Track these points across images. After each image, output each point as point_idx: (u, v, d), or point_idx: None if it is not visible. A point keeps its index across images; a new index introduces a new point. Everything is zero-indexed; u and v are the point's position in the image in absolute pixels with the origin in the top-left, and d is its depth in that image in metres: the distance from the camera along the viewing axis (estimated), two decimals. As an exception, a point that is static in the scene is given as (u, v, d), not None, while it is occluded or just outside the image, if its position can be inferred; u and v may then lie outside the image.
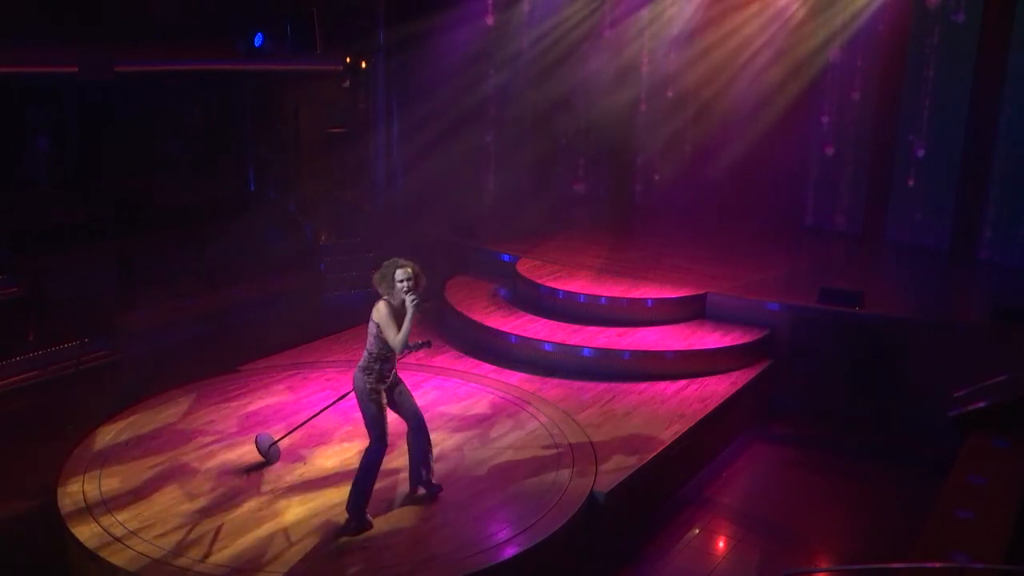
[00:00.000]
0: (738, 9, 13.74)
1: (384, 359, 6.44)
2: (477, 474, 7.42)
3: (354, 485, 6.57)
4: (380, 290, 6.41)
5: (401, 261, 6.38)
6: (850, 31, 13.02)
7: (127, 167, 12.67)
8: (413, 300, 6.22)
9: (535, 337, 10.07)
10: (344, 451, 7.74)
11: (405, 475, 7.34)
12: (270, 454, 7.50)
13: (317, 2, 13.22)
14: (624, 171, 15.68)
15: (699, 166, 14.54)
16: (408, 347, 6.40)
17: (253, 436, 7.66)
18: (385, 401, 6.54)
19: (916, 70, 12.59)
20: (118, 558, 6.08)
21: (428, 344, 6.89)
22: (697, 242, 13.47)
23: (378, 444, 6.52)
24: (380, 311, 6.34)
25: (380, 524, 6.60)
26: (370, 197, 15.46)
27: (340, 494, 6.99)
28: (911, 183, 12.84)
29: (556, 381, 9.40)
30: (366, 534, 6.46)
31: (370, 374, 6.45)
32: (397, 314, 6.32)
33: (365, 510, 6.57)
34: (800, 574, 7.48)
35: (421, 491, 6.96)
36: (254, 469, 7.37)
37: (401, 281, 6.28)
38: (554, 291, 10.96)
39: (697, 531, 7.91)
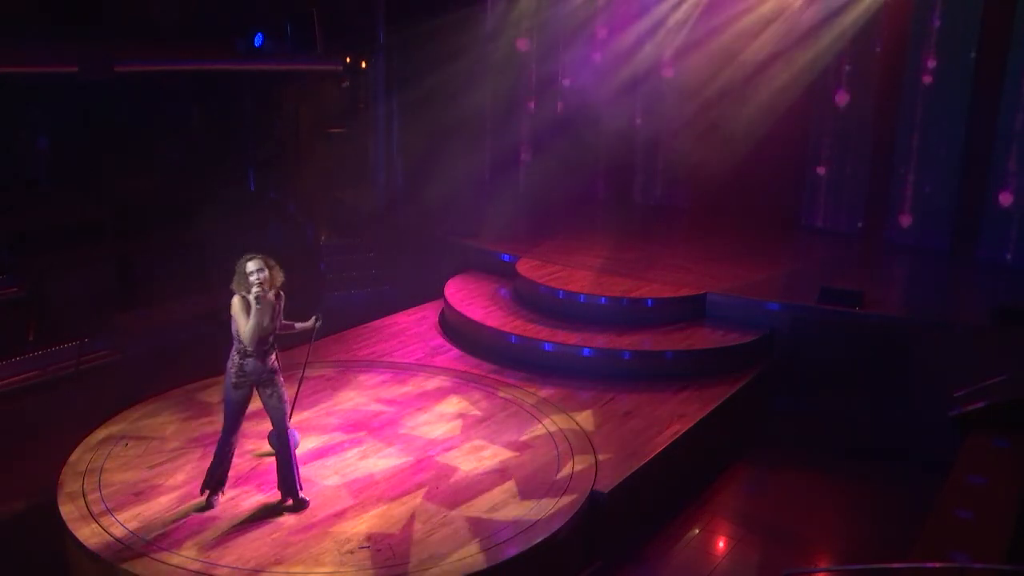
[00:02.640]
0: (740, 8, 13.72)
1: (244, 354, 6.50)
2: (477, 474, 7.42)
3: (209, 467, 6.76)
4: (236, 289, 6.46)
5: (251, 255, 6.44)
6: (850, 30, 13.00)
7: (127, 167, 12.65)
8: (254, 294, 6.32)
9: (535, 337, 10.07)
10: (345, 452, 7.75)
11: (400, 476, 7.36)
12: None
13: (317, 2, 13.22)
14: (624, 171, 15.67)
15: (699, 166, 14.53)
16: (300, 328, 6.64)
17: (251, 435, 7.66)
18: (244, 394, 6.58)
19: (916, 68, 12.59)
20: (118, 558, 6.08)
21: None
22: (697, 242, 13.47)
23: (223, 431, 6.70)
24: (233, 306, 6.44)
25: (380, 523, 6.61)
26: (370, 197, 15.45)
27: (340, 496, 7.01)
28: (911, 183, 12.84)
29: (556, 381, 9.40)
30: (366, 535, 6.46)
31: (232, 367, 6.57)
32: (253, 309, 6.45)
33: (216, 490, 6.73)
34: (800, 574, 7.48)
35: (219, 495, 6.83)
36: (266, 455, 7.44)
37: (251, 273, 6.35)
38: (554, 291, 10.95)
39: (697, 531, 7.92)
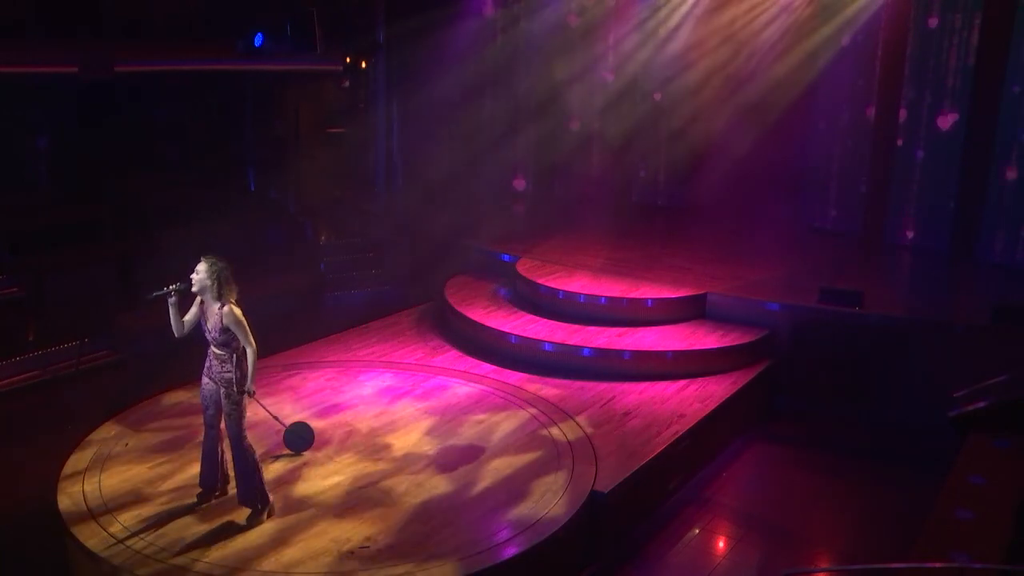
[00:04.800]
0: (740, 8, 13.73)
1: (211, 351, 6.52)
2: (477, 474, 7.42)
3: None
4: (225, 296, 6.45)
5: (204, 256, 6.39)
6: (850, 31, 13.00)
7: (127, 167, 12.65)
8: (178, 287, 6.33)
9: (535, 337, 10.07)
10: (345, 452, 7.75)
11: (400, 475, 7.36)
12: (299, 444, 7.70)
13: (317, 2, 13.23)
14: (624, 171, 15.67)
15: (699, 166, 14.54)
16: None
17: (263, 439, 7.70)
18: (209, 389, 6.58)
19: (917, 69, 12.59)
20: (118, 558, 6.08)
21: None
22: (697, 242, 13.47)
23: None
24: (232, 314, 6.39)
25: (380, 524, 6.61)
26: (370, 197, 15.47)
27: (340, 496, 7.01)
28: (911, 183, 12.85)
29: (556, 381, 9.39)
30: (366, 535, 6.46)
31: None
32: (200, 307, 6.45)
33: (215, 488, 6.84)
34: (800, 574, 7.48)
35: (216, 494, 6.84)
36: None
37: (195, 271, 6.36)
38: (554, 291, 10.96)
39: (697, 531, 7.91)
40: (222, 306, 6.34)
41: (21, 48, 11.17)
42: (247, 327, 6.40)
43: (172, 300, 6.36)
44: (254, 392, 6.59)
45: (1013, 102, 11.76)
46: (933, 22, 12.33)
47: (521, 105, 15.66)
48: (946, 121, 12.36)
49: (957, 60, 12.18)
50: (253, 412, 7.91)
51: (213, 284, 6.33)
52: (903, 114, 12.75)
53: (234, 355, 6.45)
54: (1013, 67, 11.73)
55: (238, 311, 6.37)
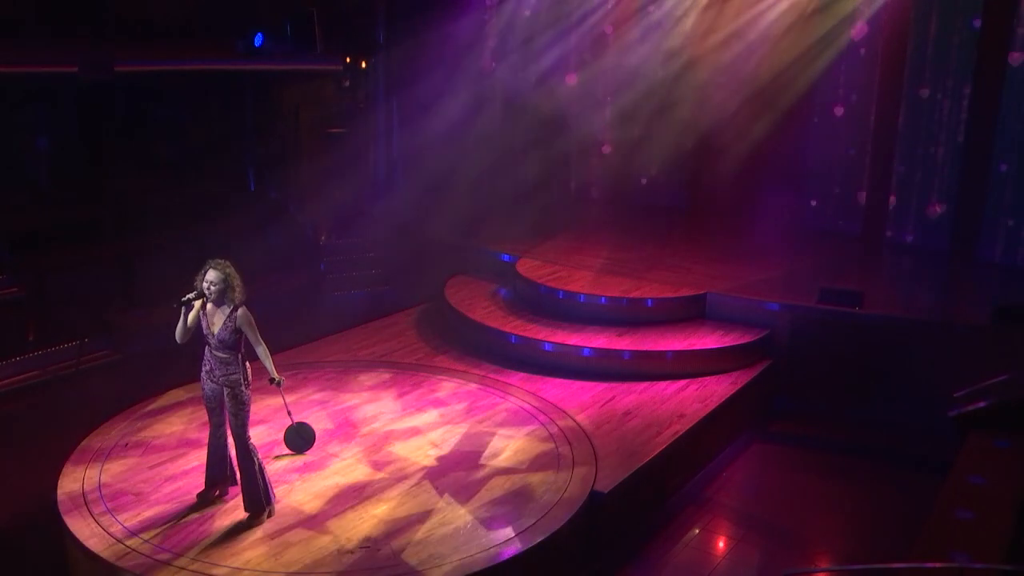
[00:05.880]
0: (741, 8, 13.71)
1: (211, 352, 6.53)
2: (477, 474, 7.42)
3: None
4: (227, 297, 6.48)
5: (211, 262, 6.43)
6: (851, 31, 12.99)
7: (127, 167, 12.65)
8: (184, 299, 6.36)
9: (535, 337, 10.07)
10: (345, 453, 7.76)
11: (400, 476, 7.36)
12: (300, 444, 7.71)
13: (317, 2, 13.23)
14: (625, 171, 15.66)
15: (700, 166, 14.53)
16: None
17: (266, 439, 7.71)
18: (211, 389, 6.59)
19: (917, 70, 12.59)
20: (118, 558, 6.08)
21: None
22: (697, 242, 13.47)
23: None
24: (241, 317, 6.44)
25: (380, 524, 6.61)
26: (370, 197, 15.45)
27: (340, 497, 7.01)
28: (911, 182, 12.84)
29: (556, 381, 9.40)
30: (366, 536, 6.46)
31: (205, 362, 6.64)
32: (202, 310, 6.45)
33: (217, 488, 6.88)
34: (800, 574, 7.48)
35: (216, 492, 6.89)
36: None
37: (207, 281, 6.37)
38: (554, 291, 10.95)
39: (697, 531, 7.92)
40: (235, 309, 6.39)
41: (21, 48, 11.16)
42: (256, 327, 6.47)
43: (192, 308, 6.39)
44: (283, 380, 6.82)
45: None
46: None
47: (521, 104, 15.64)
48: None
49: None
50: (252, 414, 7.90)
51: (231, 289, 6.38)
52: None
53: (238, 356, 6.48)
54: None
55: (250, 313, 6.42)
